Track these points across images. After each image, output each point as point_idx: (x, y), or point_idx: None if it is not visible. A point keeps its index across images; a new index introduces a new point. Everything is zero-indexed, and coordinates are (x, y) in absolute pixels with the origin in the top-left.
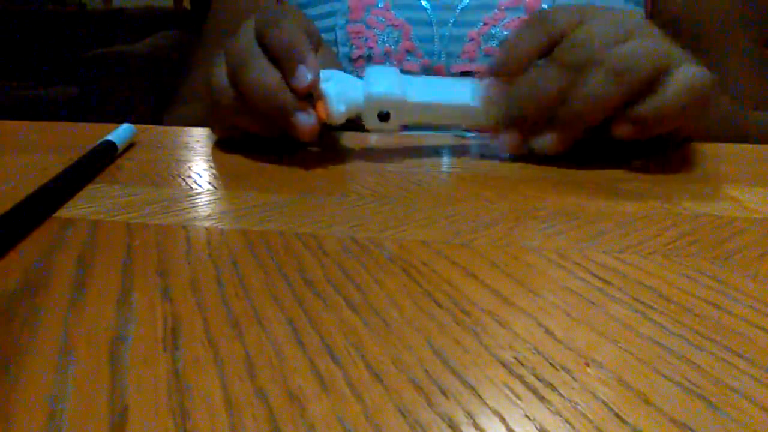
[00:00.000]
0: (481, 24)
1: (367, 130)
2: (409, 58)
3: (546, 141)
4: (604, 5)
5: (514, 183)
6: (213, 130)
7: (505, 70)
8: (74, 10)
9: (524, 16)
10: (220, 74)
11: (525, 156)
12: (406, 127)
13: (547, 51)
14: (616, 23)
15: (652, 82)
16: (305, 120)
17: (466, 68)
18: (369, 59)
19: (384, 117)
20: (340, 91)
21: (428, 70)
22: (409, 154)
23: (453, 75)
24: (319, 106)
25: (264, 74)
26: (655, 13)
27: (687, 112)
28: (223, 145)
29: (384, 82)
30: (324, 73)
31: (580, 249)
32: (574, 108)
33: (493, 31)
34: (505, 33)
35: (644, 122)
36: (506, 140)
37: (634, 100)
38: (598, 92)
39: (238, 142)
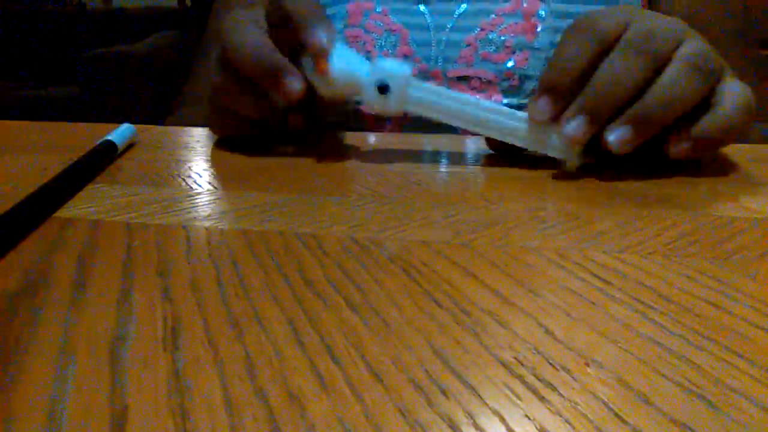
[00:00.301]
0: (479, 29)
1: (361, 119)
2: (406, 62)
3: (620, 136)
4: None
5: (514, 183)
6: (211, 127)
7: (556, 85)
8: (74, 10)
9: (521, 22)
10: (212, 61)
11: (525, 156)
12: (405, 122)
13: (598, 58)
14: (667, 21)
15: (706, 97)
16: (292, 81)
17: (463, 73)
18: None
19: (383, 89)
20: (345, 58)
21: (425, 75)
22: (409, 154)
23: (450, 79)
24: (321, 61)
25: (251, 36)
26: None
27: (740, 129)
28: (223, 145)
29: (394, 61)
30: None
31: (580, 249)
32: (652, 102)
33: (490, 37)
34: (503, 38)
35: (705, 140)
36: (577, 127)
37: (687, 119)
38: (678, 86)
39: (238, 141)
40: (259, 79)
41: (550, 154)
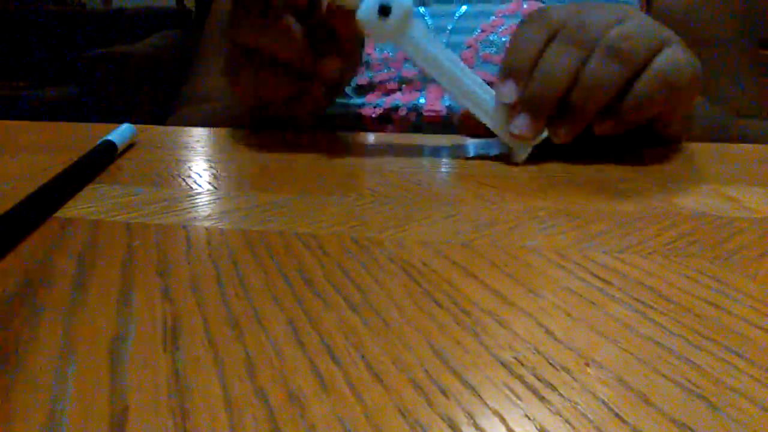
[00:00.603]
0: (479, 31)
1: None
2: (407, 65)
3: (557, 130)
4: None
5: (514, 183)
6: (233, 84)
7: (516, 68)
8: (74, 10)
9: None
10: (231, 7)
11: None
12: (407, 123)
13: (548, 44)
14: (612, 9)
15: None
16: None
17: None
18: (367, 65)
19: (385, 11)
20: None
21: (426, 77)
22: (409, 154)
23: None
24: None
25: None
26: (650, 15)
27: (661, 100)
28: (223, 145)
29: None
30: None
31: (580, 249)
32: (582, 92)
33: (491, 38)
34: (503, 39)
35: (621, 112)
36: (524, 125)
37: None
38: (601, 73)
39: (238, 141)
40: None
41: (504, 141)
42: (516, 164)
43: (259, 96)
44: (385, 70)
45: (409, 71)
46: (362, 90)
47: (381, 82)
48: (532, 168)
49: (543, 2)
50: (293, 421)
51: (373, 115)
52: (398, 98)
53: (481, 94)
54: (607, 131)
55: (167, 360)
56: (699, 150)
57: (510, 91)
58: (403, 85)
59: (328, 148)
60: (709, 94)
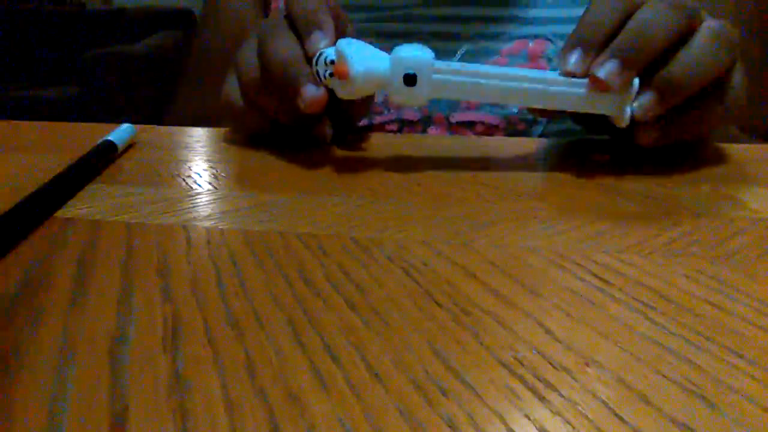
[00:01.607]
0: None
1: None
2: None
3: (645, 101)
4: None
5: (514, 183)
6: (236, 118)
7: (587, 39)
8: (74, 10)
9: (527, 64)
10: (249, 51)
11: (525, 156)
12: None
13: (626, 17)
14: None
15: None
16: (311, 90)
17: (467, 118)
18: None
19: (410, 80)
20: (363, 56)
21: (428, 120)
22: (409, 154)
23: (453, 125)
24: (338, 65)
25: (284, 45)
26: None
27: (711, 67)
28: (223, 145)
29: (413, 47)
30: (346, 40)
31: (580, 249)
32: (685, 68)
33: None
34: None
35: (669, 84)
36: (611, 70)
37: None
38: (707, 50)
39: (238, 141)
40: (282, 88)
41: (599, 111)
42: (621, 127)
43: (246, 127)
44: (386, 113)
45: (409, 113)
46: (362, 131)
47: (380, 124)
48: (533, 168)
49: (550, 41)
50: (293, 421)
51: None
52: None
53: (550, 89)
54: (685, 137)
55: (167, 360)
56: (699, 150)
57: (578, 61)
58: (404, 128)
59: (328, 148)
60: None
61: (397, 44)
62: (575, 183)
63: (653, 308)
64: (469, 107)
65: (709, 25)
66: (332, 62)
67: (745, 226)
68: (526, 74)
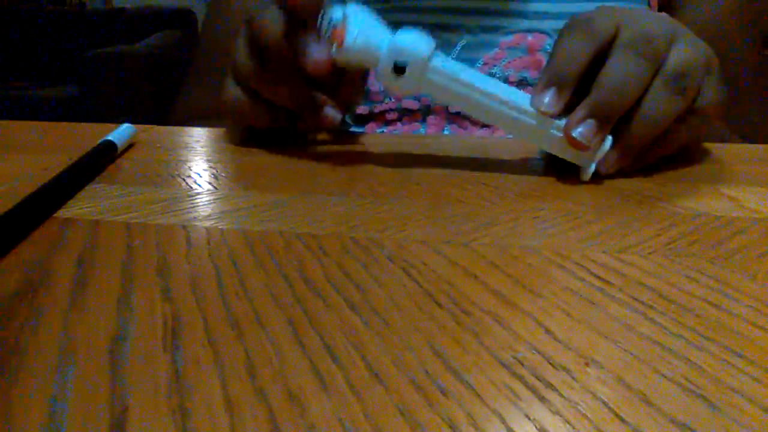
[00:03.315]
0: (482, 62)
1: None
2: (408, 95)
3: (610, 159)
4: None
5: (514, 183)
6: (234, 115)
7: (560, 77)
8: (74, 10)
9: (526, 57)
10: (241, 40)
11: (525, 156)
12: (421, 105)
13: (595, 56)
14: (659, 18)
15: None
16: (316, 50)
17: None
18: (367, 95)
19: (399, 70)
20: (365, 28)
21: (427, 109)
22: (409, 154)
23: (451, 114)
24: (338, 29)
25: (276, 16)
26: None
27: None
28: (223, 145)
29: (414, 37)
30: (358, 7)
31: (580, 249)
32: (642, 122)
33: (493, 71)
34: (507, 74)
35: (632, 144)
36: (588, 132)
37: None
38: (664, 106)
39: (238, 141)
40: (280, 57)
41: (568, 158)
42: (584, 181)
43: (249, 123)
44: (386, 101)
45: (409, 102)
46: (362, 119)
47: (381, 113)
48: (533, 168)
49: (548, 35)
50: (293, 421)
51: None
52: (399, 129)
53: (528, 122)
54: (651, 161)
55: (167, 360)
56: (699, 150)
57: (551, 100)
58: (404, 117)
59: (328, 148)
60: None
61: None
62: (575, 183)
63: (653, 308)
64: None
65: (670, 64)
66: (334, 26)
67: (745, 226)
68: (514, 101)
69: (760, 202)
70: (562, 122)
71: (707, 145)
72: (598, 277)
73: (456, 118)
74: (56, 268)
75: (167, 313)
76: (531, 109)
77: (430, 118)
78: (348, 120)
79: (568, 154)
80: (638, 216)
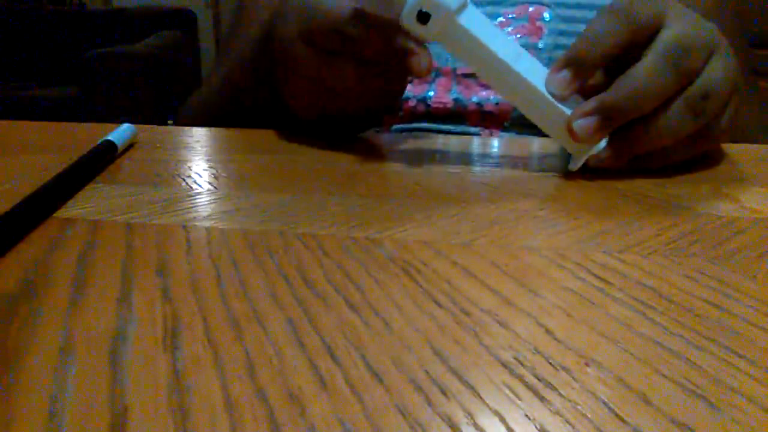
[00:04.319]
0: None
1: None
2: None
3: (602, 155)
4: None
5: (515, 183)
6: (297, 103)
7: (580, 60)
8: (74, 10)
9: (527, 25)
10: (287, 29)
11: (525, 156)
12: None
13: (628, 45)
14: (705, 28)
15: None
16: (424, 55)
17: (471, 71)
18: None
19: (423, 18)
20: None
21: (437, 72)
22: (409, 154)
23: (458, 76)
24: None
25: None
26: None
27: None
28: (223, 145)
29: None
30: None
31: (580, 249)
32: (654, 135)
33: None
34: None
35: (630, 145)
36: (591, 127)
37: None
38: (677, 126)
39: (238, 142)
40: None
41: (564, 145)
42: (571, 171)
43: (320, 99)
44: None
45: None
46: None
47: None
48: (533, 168)
49: (548, 6)
50: (293, 421)
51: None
52: (409, 90)
53: (533, 99)
54: (645, 166)
55: (167, 360)
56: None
57: (563, 82)
58: (414, 79)
59: (328, 148)
60: None
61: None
62: (576, 183)
63: (653, 308)
64: None
65: (702, 82)
66: None
67: (745, 226)
68: (527, 77)
69: (761, 203)
70: (568, 109)
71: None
72: (598, 277)
73: (463, 80)
74: (56, 268)
75: (167, 313)
76: (542, 89)
77: (439, 80)
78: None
79: (563, 140)
80: (638, 216)
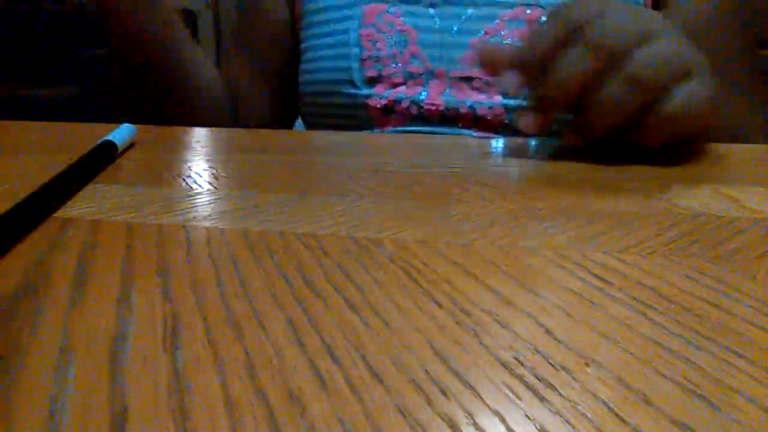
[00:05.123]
0: (483, 33)
1: None
2: (413, 61)
3: (565, 135)
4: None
5: (514, 183)
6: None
7: (523, 62)
8: (74, 10)
9: (524, 28)
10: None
11: (525, 156)
12: (409, 117)
13: (564, 43)
14: (637, 16)
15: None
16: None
17: (466, 74)
18: (377, 60)
19: None
20: None
21: (431, 74)
22: (409, 154)
23: (453, 79)
24: None
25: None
26: None
27: (666, 136)
28: (223, 145)
29: None
30: None
31: (580, 249)
32: (595, 113)
33: (492, 41)
34: (506, 42)
35: (647, 132)
36: (531, 120)
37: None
38: (618, 98)
39: (238, 142)
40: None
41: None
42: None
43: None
44: (393, 65)
45: (414, 67)
46: (371, 82)
47: (388, 76)
48: (533, 168)
49: (544, 9)
50: (293, 421)
51: (378, 106)
52: (402, 91)
53: None
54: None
55: (167, 360)
56: (700, 150)
57: (510, 82)
58: (408, 81)
59: (328, 148)
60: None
61: (402, 11)
62: (575, 183)
63: (653, 308)
64: (471, 64)
65: (673, 105)
66: None
67: (745, 226)
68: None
69: (760, 202)
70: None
71: (707, 145)
72: (598, 277)
73: (456, 83)
74: (56, 268)
75: (167, 313)
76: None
77: (432, 82)
78: (358, 84)
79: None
80: (638, 216)
